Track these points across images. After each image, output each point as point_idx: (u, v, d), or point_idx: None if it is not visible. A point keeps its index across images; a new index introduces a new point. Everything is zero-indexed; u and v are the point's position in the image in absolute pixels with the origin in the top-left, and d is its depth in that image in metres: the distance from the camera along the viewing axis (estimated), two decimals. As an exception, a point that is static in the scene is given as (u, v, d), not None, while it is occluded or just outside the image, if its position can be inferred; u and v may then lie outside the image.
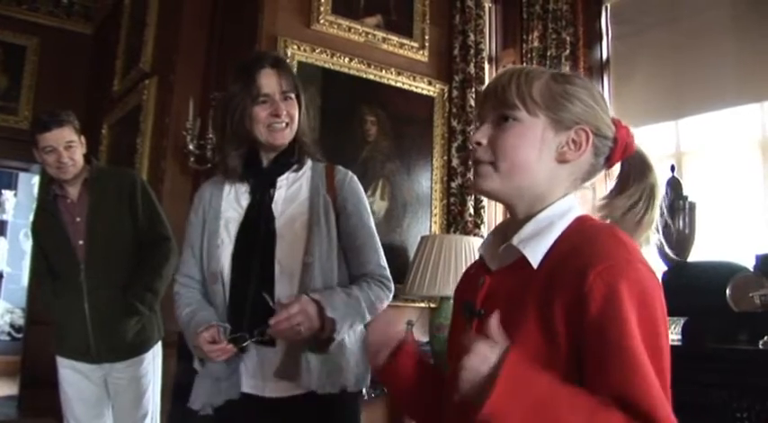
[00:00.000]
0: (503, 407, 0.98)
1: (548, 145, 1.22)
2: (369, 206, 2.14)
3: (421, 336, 3.99)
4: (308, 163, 2.11)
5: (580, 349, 1.08)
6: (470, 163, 1.34)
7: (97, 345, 2.94)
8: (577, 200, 1.27)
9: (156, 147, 4.53)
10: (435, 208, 4.39)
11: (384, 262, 2.09)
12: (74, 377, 3.01)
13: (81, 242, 2.98)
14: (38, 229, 3.17)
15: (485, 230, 4.36)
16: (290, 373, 1.90)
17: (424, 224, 4.29)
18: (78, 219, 3.02)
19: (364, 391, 2.09)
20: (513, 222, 1.29)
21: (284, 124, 2.01)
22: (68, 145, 2.97)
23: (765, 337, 2.58)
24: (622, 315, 1.05)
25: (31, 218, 3.35)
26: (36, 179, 7.34)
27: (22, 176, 9.29)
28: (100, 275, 2.96)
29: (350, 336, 1.99)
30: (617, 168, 1.32)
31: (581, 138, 1.22)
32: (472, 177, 1.32)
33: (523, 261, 1.20)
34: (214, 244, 2.01)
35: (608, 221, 1.28)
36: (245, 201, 2.06)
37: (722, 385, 2.44)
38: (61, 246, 3.00)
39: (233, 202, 2.07)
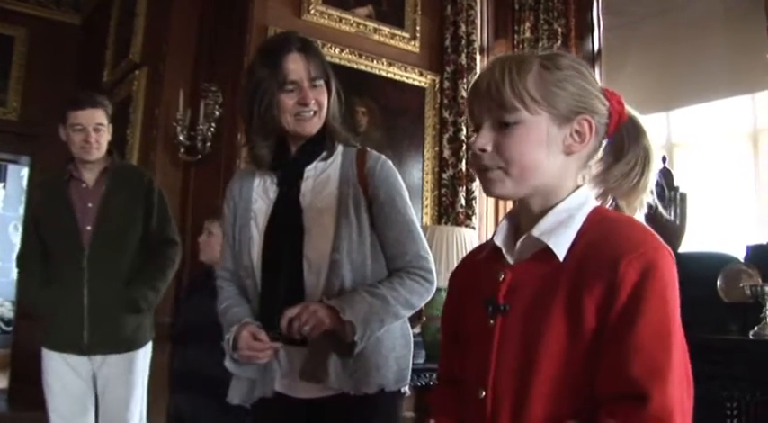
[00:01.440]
0: None
1: (554, 140, 1.19)
2: (406, 192, 2.01)
3: (413, 327, 3.98)
4: (339, 149, 2.00)
5: (602, 339, 1.08)
6: (474, 169, 1.29)
7: (91, 335, 2.87)
8: (591, 191, 1.26)
9: (146, 138, 4.50)
10: (426, 199, 4.39)
11: (426, 252, 1.95)
12: (61, 370, 2.93)
13: (89, 227, 2.93)
14: (40, 208, 3.08)
15: (476, 221, 4.36)
16: (317, 375, 1.83)
17: (416, 215, 4.28)
18: (90, 204, 2.96)
19: (406, 389, 1.96)
20: (526, 214, 1.25)
21: (312, 113, 1.89)
22: (97, 127, 2.94)
23: (755, 328, 2.59)
24: (652, 301, 1.06)
25: (23, 209, 3.27)
26: (25, 171, 7.28)
27: (11, 169, 9.20)
28: (104, 264, 2.91)
29: (390, 332, 1.89)
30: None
31: (584, 128, 1.20)
32: (481, 183, 1.26)
33: (545, 254, 1.17)
34: (245, 238, 1.94)
35: (602, 190, 1.27)
36: (272, 193, 1.96)
37: (712, 376, 2.44)
38: (66, 228, 2.94)
39: (262, 193, 1.98)
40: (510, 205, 4.35)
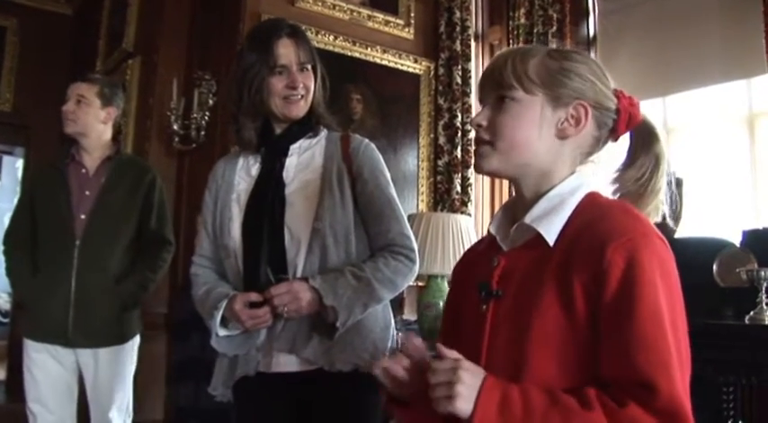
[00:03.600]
0: None
1: (547, 122, 1.22)
2: (388, 174, 2.04)
3: (409, 314, 3.99)
4: (324, 132, 2.06)
5: (597, 325, 1.09)
6: (474, 146, 1.33)
7: (75, 327, 2.82)
8: (586, 176, 1.27)
9: (140, 128, 4.48)
10: (422, 186, 4.38)
11: (408, 231, 1.99)
12: (46, 362, 2.87)
13: (83, 216, 2.88)
14: (36, 188, 3.04)
15: (472, 208, 4.36)
16: (294, 347, 1.87)
17: (411, 202, 4.29)
18: (88, 192, 2.92)
19: None
20: (520, 201, 1.29)
21: (300, 96, 1.95)
22: (78, 99, 2.91)
23: (751, 313, 2.60)
24: (644, 287, 1.07)
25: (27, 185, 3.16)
26: (20, 163, 7.26)
27: (6, 160, 9.18)
28: (94, 255, 2.86)
29: (370, 314, 1.91)
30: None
31: (580, 113, 1.22)
32: (474, 159, 1.33)
33: (537, 240, 1.20)
34: (226, 217, 1.97)
35: (618, 195, 1.29)
36: (255, 171, 2.01)
37: (708, 360, 2.45)
38: (59, 213, 2.88)
39: (245, 175, 2.03)
40: (506, 192, 4.36)
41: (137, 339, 3.03)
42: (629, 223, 1.13)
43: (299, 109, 1.97)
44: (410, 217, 3.75)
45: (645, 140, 1.29)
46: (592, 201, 1.23)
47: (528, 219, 1.22)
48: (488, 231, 1.34)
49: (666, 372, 1.04)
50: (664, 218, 1.31)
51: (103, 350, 2.89)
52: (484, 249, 1.36)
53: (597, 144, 1.28)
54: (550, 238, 1.18)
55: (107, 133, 3.02)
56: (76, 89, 2.93)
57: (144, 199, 3.00)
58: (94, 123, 2.96)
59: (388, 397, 1.31)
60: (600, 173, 1.32)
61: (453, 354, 1.12)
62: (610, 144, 1.31)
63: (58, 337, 2.85)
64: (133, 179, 3.01)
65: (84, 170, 2.96)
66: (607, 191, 1.29)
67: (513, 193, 1.34)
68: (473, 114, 4.37)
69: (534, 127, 1.22)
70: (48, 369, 2.88)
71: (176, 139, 4.13)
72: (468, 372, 1.08)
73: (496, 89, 1.25)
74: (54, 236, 2.90)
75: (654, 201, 1.28)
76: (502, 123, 1.23)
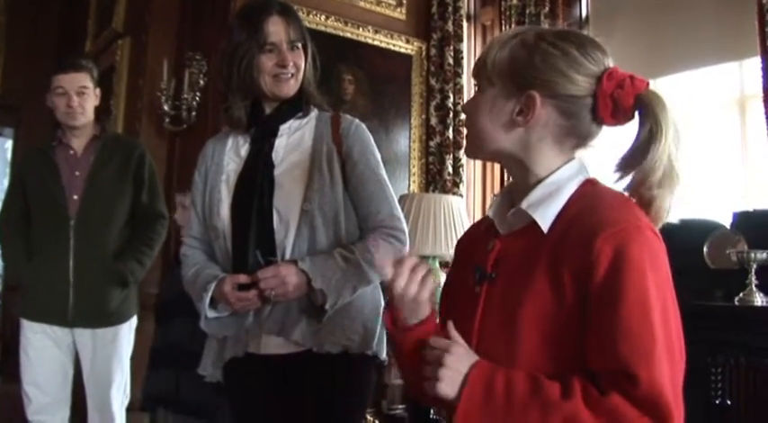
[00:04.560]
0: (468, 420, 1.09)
1: (498, 111, 1.23)
2: (378, 155, 2.03)
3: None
4: (314, 112, 2.04)
5: (586, 315, 1.09)
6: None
7: (75, 307, 2.83)
8: (584, 163, 1.26)
9: (130, 109, 4.46)
10: (414, 167, 4.38)
11: (398, 212, 1.98)
12: (43, 343, 2.88)
13: (75, 197, 2.88)
14: (26, 171, 3.03)
15: (464, 189, 4.37)
16: (283, 330, 1.88)
17: (403, 183, 4.29)
18: (78, 173, 2.91)
19: (384, 357, 1.98)
20: (515, 185, 1.30)
21: (290, 75, 1.93)
22: (81, 90, 2.88)
23: (741, 294, 2.61)
24: (631, 277, 1.06)
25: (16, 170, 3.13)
26: (9, 144, 7.20)
27: (-5, 140, 9.12)
28: (90, 235, 2.86)
29: (359, 295, 1.92)
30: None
31: (529, 103, 1.20)
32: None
33: (533, 225, 1.20)
34: (215, 199, 1.96)
35: (623, 182, 1.21)
36: (244, 151, 2.00)
37: (698, 341, 2.46)
38: (51, 196, 2.88)
39: (234, 156, 2.01)
40: (497, 173, 4.36)
41: (134, 320, 3.04)
42: (621, 214, 1.12)
43: (289, 88, 1.95)
44: (401, 198, 3.75)
45: (647, 129, 1.19)
46: (589, 188, 1.22)
47: (524, 204, 1.21)
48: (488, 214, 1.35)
49: (648, 361, 1.04)
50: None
51: (102, 330, 2.90)
52: (483, 231, 1.36)
53: (582, 133, 1.23)
54: (545, 226, 1.18)
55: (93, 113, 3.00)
56: (76, 81, 2.88)
57: (135, 174, 2.99)
58: (93, 108, 2.97)
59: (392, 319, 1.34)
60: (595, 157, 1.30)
61: (454, 335, 1.14)
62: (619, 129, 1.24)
63: (57, 318, 2.86)
64: (122, 156, 2.99)
65: (72, 151, 2.95)
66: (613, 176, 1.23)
67: (508, 176, 1.36)
68: (465, 95, 4.37)
69: (486, 116, 1.24)
70: (44, 350, 2.88)
71: (167, 120, 4.11)
72: (454, 356, 1.11)
73: (474, 77, 1.30)
74: (48, 218, 2.90)
75: (677, 182, 1.19)
76: (468, 112, 1.30)
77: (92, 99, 2.95)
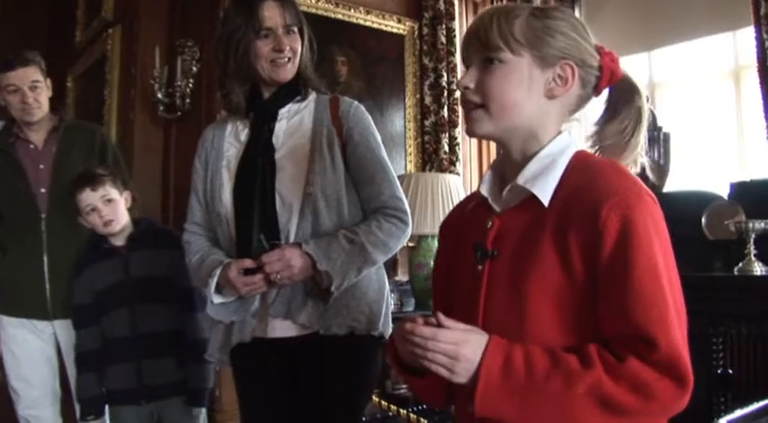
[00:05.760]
0: (489, 399, 1.09)
1: (536, 82, 1.22)
2: (379, 136, 2.04)
3: (403, 276, 4.01)
4: (312, 95, 2.04)
5: (597, 283, 1.11)
6: (461, 108, 1.34)
7: (54, 298, 2.79)
8: (573, 135, 1.28)
9: (123, 98, 4.42)
10: (410, 147, 4.38)
11: (400, 193, 1.99)
12: (25, 336, 2.84)
13: (43, 190, 2.84)
14: None
15: (460, 167, 4.37)
16: (288, 312, 1.89)
17: (400, 163, 4.29)
18: (42, 166, 2.87)
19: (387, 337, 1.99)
20: (508, 161, 1.29)
21: (287, 59, 1.93)
22: (33, 85, 2.84)
23: (740, 264, 2.62)
24: (640, 244, 1.09)
25: None
26: None
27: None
28: (63, 227, 2.80)
29: (364, 277, 1.93)
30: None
31: (567, 73, 1.22)
32: (465, 123, 1.32)
33: (531, 200, 1.20)
34: (217, 184, 1.97)
35: (597, 148, 1.30)
36: (244, 136, 2.01)
37: (697, 312, 2.47)
38: (18, 192, 2.84)
39: (234, 141, 2.02)
40: (493, 150, 4.35)
41: None
42: (621, 182, 1.14)
43: (287, 72, 1.95)
44: (399, 178, 3.72)
45: (626, 95, 1.29)
46: (581, 160, 1.23)
47: (521, 180, 1.22)
48: (479, 191, 1.33)
49: (664, 325, 1.07)
50: (644, 170, 1.33)
51: None
52: (475, 209, 1.35)
53: (581, 102, 1.29)
54: (545, 199, 1.18)
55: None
56: (27, 77, 2.83)
57: (99, 160, 2.94)
58: (47, 101, 2.92)
59: (399, 364, 1.30)
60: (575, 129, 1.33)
61: (459, 325, 1.14)
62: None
63: (36, 311, 2.83)
64: (83, 143, 2.95)
65: (32, 146, 2.91)
66: (584, 145, 1.31)
67: (501, 152, 1.34)
68: (459, 74, 4.35)
69: (523, 88, 1.21)
70: (27, 344, 2.85)
71: (161, 108, 4.08)
72: (470, 344, 1.11)
73: (482, 50, 1.23)
74: (17, 214, 2.87)
75: (633, 154, 1.29)
76: (491, 85, 1.22)
77: (45, 92, 2.89)
